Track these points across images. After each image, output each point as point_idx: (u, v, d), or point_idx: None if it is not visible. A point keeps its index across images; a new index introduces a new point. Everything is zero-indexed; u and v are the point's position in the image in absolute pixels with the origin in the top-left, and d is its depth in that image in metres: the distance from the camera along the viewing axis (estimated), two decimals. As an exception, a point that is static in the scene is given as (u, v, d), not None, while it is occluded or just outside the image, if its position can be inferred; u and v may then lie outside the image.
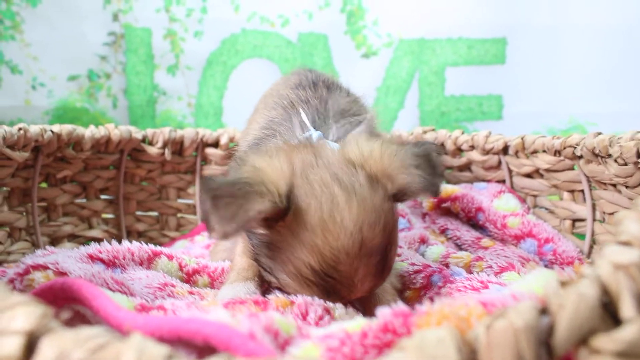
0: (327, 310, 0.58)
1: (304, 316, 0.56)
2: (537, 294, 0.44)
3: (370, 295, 0.68)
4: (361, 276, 0.61)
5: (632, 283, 0.35)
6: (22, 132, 0.96)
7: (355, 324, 0.43)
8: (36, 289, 0.56)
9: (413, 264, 0.76)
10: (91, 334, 0.33)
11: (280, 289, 0.65)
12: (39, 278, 0.64)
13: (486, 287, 0.69)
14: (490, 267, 0.81)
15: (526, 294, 0.44)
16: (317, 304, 0.58)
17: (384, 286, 0.69)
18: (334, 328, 0.43)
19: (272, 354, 0.35)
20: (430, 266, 0.75)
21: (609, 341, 0.33)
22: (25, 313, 0.34)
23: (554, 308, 0.35)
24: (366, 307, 0.69)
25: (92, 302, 0.47)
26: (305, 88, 0.83)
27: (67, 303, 0.53)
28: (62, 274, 0.64)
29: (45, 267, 0.65)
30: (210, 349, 0.37)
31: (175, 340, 0.38)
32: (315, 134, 0.72)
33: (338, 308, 0.60)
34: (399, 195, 0.64)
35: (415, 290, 0.73)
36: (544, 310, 0.35)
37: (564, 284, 0.36)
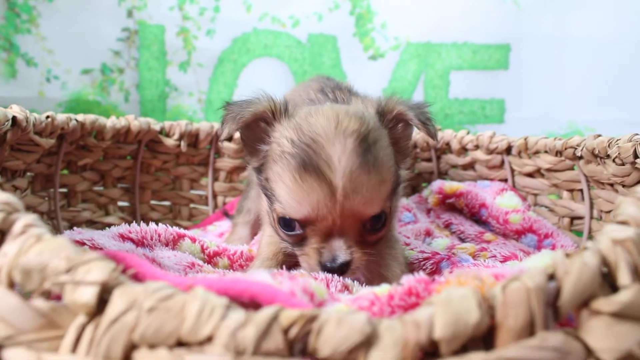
0: (346, 287, 0.63)
1: (327, 289, 0.60)
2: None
3: (378, 274, 0.73)
4: (342, 158, 0.64)
5: (628, 255, 0.40)
6: (49, 119, 1.00)
7: (382, 288, 0.48)
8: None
9: (422, 252, 0.81)
10: (158, 287, 0.38)
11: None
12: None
13: (492, 272, 0.73)
14: (494, 256, 0.86)
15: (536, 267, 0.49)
16: (336, 280, 0.63)
17: (392, 268, 0.74)
18: (363, 291, 0.48)
19: (313, 308, 0.40)
20: (438, 253, 0.80)
21: (607, 304, 0.38)
22: (99, 267, 0.39)
23: (560, 274, 0.40)
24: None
25: (140, 269, 0.51)
26: (327, 93, 0.89)
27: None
28: (99, 249, 0.69)
29: (82, 243, 0.70)
30: (255, 306, 0.42)
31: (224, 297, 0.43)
32: None
33: (355, 285, 0.65)
34: (395, 120, 0.76)
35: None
36: (551, 277, 0.40)
37: (568, 255, 0.41)
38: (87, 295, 0.38)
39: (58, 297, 0.39)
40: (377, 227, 0.70)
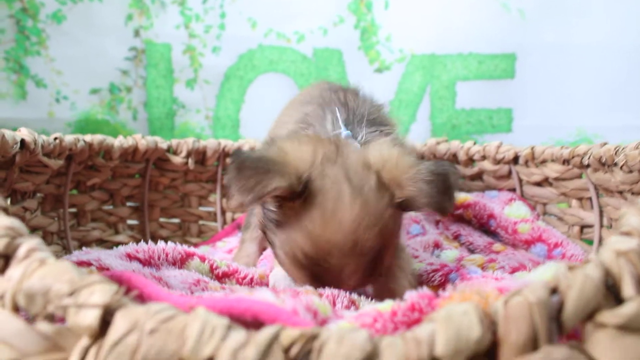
0: (353, 302, 0.63)
1: (333, 305, 0.60)
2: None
3: (386, 288, 0.73)
4: (349, 272, 0.65)
5: (632, 267, 0.40)
6: (57, 141, 1.02)
7: (385, 304, 0.47)
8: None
9: (431, 264, 0.81)
10: (160, 308, 0.38)
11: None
12: (84, 274, 0.69)
13: (500, 284, 0.73)
14: (503, 267, 0.85)
15: (540, 281, 0.49)
16: (343, 296, 0.63)
17: (399, 280, 0.73)
18: (366, 308, 0.48)
19: (314, 326, 0.40)
20: (447, 265, 0.80)
21: (612, 316, 0.38)
22: (102, 289, 0.39)
23: (563, 287, 0.39)
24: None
25: (144, 290, 0.52)
26: (339, 92, 0.89)
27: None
28: (105, 269, 0.69)
29: (89, 264, 0.70)
30: (258, 325, 0.42)
31: (226, 317, 0.43)
32: (344, 133, 0.77)
33: (362, 300, 0.65)
34: (404, 205, 0.67)
35: (434, 287, 0.78)
36: (554, 290, 0.40)
37: (571, 268, 0.41)
38: (90, 317, 0.38)
39: (62, 320, 0.39)
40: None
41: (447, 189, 0.65)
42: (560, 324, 0.39)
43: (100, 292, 0.39)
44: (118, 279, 0.56)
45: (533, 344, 0.36)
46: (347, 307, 0.62)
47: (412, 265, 0.81)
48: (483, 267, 0.88)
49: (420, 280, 0.79)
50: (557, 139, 1.89)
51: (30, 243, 0.42)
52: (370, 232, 0.63)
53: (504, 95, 1.93)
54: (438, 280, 0.77)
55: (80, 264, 0.70)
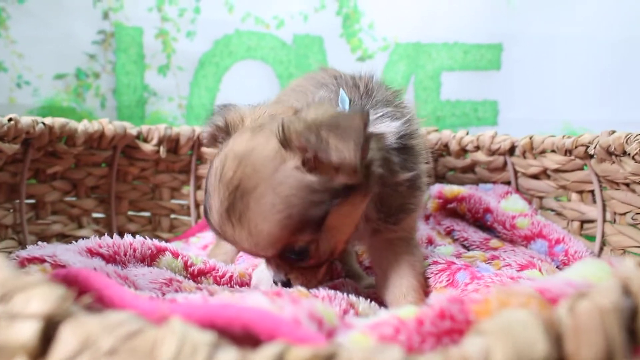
0: (351, 305, 0.54)
1: (330, 310, 0.52)
2: (594, 282, 0.41)
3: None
4: (215, 214, 0.63)
5: None
6: (12, 122, 0.91)
7: (407, 310, 0.39)
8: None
9: (436, 262, 0.72)
10: (120, 319, 0.29)
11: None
12: (35, 272, 0.59)
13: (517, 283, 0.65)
14: (509, 265, 0.78)
15: (582, 282, 0.41)
16: (340, 298, 0.54)
17: (408, 278, 0.67)
18: (384, 315, 0.39)
19: (326, 341, 0.31)
20: (454, 263, 0.71)
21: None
22: (42, 295, 0.30)
23: (636, 289, 0.31)
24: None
25: (104, 292, 0.42)
26: (347, 77, 0.80)
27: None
28: (61, 267, 0.59)
29: (42, 260, 0.60)
30: (250, 338, 0.33)
31: (208, 329, 0.34)
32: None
33: (361, 302, 0.56)
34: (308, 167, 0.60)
35: (442, 289, 0.69)
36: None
37: (641, 265, 0.33)
38: (27, 332, 0.28)
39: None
40: (303, 258, 0.65)
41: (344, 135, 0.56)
42: (633, 333, 0.31)
43: (40, 298, 0.29)
44: (72, 279, 0.46)
45: (609, 363, 0.28)
46: (346, 311, 0.53)
47: (424, 266, 0.74)
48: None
49: (428, 284, 0.70)
50: (542, 133, 1.83)
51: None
52: (239, 168, 0.62)
53: (489, 87, 1.88)
54: (446, 281, 0.68)
55: (32, 260, 0.60)
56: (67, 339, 0.28)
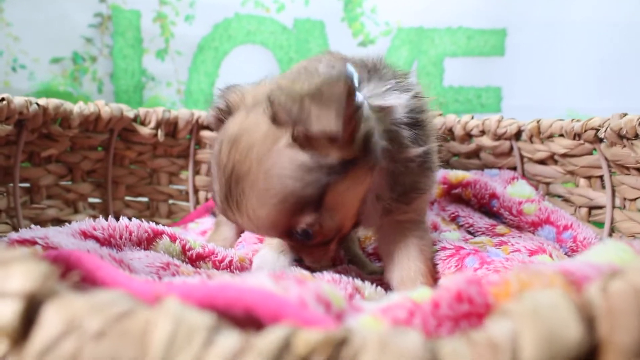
0: (357, 289, 0.52)
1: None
2: (618, 263, 0.38)
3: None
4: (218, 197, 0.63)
5: None
6: (5, 102, 0.88)
7: (422, 292, 0.36)
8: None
9: (444, 248, 0.70)
10: (109, 299, 0.26)
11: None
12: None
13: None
14: (518, 250, 0.75)
15: (605, 264, 0.38)
16: (345, 282, 0.52)
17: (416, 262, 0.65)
18: (396, 298, 0.37)
19: (335, 324, 0.29)
20: (463, 248, 0.69)
21: None
22: (24, 271, 0.27)
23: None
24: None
25: (97, 273, 0.39)
26: (354, 58, 0.77)
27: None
28: (53, 249, 0.56)
29: (33, 242, 0.58)
30: (253, 322, 0.30)
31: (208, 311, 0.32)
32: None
33: (367, 287, 0.54)
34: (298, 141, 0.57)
35: (451, 275, 0.67)
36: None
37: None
38: (7, 312, 0.26)
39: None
40: (308, 238, 0.63)
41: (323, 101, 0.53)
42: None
43: (21, 274, 0.26)
44: (64, 260, 0.44)
45: (648, 349, 0.25)
46: (351, 296, 0.50)
47: (433, 252, 0.72)
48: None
49: (437, 270, 0.68)
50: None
51: None
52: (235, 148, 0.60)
53: (493, 73, 1.85)
54: (455, 267, 0.65)
55: (23, 242, 0.57)
56: (50, 320, 0.25)
